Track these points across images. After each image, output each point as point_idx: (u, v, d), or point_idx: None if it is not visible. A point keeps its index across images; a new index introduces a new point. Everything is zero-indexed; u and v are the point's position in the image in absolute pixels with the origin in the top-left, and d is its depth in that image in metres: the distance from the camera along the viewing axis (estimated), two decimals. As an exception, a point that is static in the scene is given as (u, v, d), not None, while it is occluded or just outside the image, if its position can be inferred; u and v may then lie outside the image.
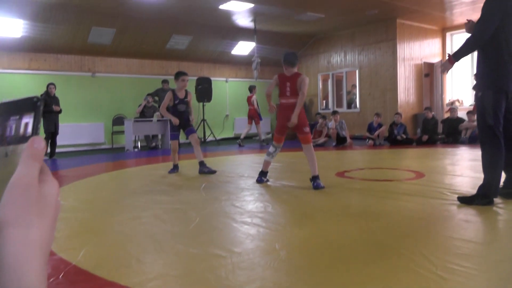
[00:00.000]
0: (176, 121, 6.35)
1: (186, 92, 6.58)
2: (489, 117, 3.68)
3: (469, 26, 4.00)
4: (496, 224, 3.26)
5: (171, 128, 6.62)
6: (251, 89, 12.67)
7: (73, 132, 11.52)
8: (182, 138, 8.03)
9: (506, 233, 3.06)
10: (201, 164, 6.37)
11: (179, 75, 6.48)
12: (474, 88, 3.98)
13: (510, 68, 3.70)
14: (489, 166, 3.72)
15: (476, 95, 3.90)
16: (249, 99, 12.57)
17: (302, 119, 4.96)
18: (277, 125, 5.21)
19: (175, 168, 6.62)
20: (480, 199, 3.70)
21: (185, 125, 6.52)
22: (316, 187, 4.79)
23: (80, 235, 3.18)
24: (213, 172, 6.27)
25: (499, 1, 3.67)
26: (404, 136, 10.78)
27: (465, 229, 3.04)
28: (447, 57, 3.92)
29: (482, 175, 3.75)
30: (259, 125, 12.38)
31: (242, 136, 12.15)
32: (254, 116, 12.30)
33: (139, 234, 3.20)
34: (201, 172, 6.30)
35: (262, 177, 5.34)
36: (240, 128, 15.16)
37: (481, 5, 3.86)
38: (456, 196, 4.02)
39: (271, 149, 5.25)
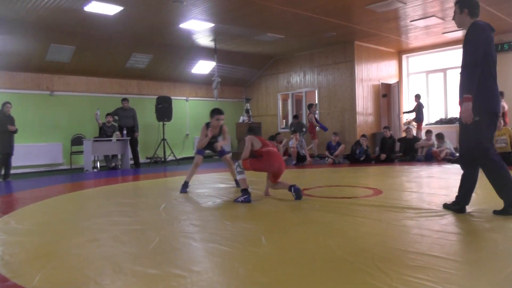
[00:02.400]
0: (218, 145, 6.27)
1: (221, 129, 6.39)
2: (486, 141, 3.82)
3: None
4: (448, 237, 3.35)
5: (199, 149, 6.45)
6: (310, 107, 13.09)
7: (29, 152, 11.19)
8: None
9: (456, 246, 3.18)
10: (237, 181, 6.39)
11: (213, 113, 6.29)
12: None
13: (497, 91, 3.90)
14: (503, 184, 3.84)
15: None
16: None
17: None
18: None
19: (186, 185, 6.34)
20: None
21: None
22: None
23: (36, 260, 3.09)
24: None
25: (483, 31, 3.83)
26: (364, 156, 10.98)
27: (420, 243, 3.13)
28: (461, 101, 3.76)
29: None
30: (315, 141, 12.95)
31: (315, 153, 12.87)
32: (311, 132, 12.90)
33: (97, 257, 3.14)
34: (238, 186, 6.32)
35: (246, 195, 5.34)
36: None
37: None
38: (412, 211, 4.16)
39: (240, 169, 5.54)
